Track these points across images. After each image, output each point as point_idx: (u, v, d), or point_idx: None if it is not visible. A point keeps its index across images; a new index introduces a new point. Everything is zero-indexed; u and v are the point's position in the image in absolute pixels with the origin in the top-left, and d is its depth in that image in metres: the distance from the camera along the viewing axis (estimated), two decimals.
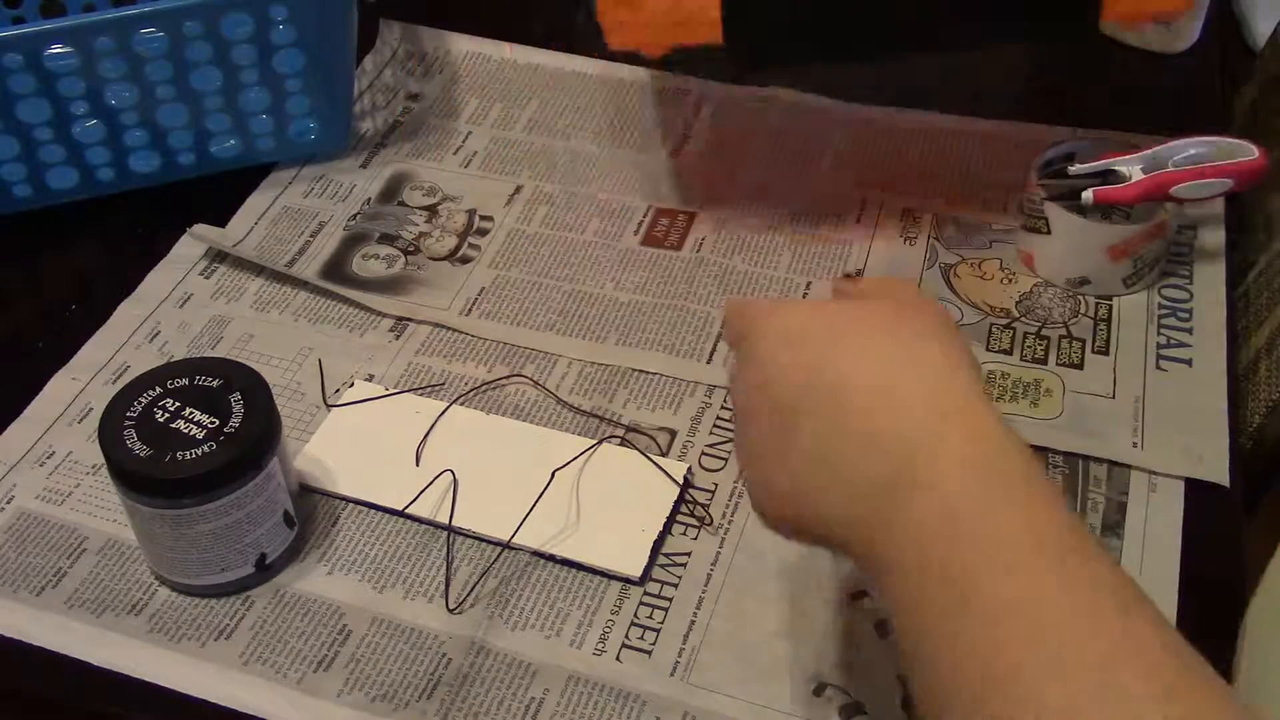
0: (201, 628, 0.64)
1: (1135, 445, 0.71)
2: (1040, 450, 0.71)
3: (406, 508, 0.69)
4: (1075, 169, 0.80)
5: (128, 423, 0.62)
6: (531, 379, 0.76)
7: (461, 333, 0.80)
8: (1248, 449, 0.74)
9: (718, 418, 0.74)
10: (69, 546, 0.68)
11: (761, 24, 0.74)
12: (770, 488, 0.49)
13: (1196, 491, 0.69)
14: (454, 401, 0.75)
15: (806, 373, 0.46)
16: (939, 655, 0.41)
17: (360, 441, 0.73)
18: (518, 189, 0.91)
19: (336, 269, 0.85)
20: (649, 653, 0.63)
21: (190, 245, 0.86)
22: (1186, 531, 0.67)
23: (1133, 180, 0.77)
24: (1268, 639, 0.52)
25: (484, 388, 0.76)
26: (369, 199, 0.91)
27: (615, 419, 0.74)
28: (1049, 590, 0.40)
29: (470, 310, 0.81)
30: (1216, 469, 0.69)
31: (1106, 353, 0.77)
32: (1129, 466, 0.70)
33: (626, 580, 0.66)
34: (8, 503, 0.70)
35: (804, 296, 0.81)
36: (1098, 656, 0.38)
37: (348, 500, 0.70)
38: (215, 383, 0.64)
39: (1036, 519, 0.42)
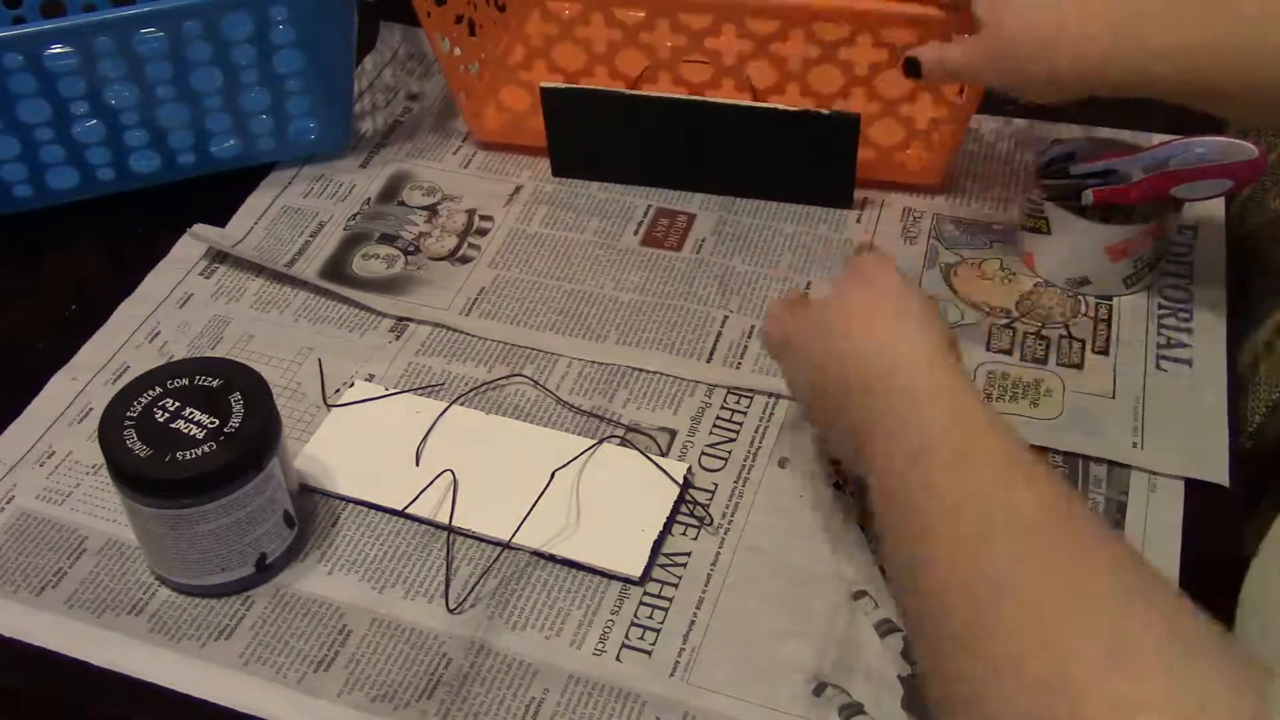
0: (201, 628, 0.64)
1: (1135, 445, 0.71)
2: (1040, 450, 0.71)
3: (406, 508, 0.69)
4: (1075, 169, 0.80)
5: (128, 423, 0.62)
6: (531, 379, 0.76)
7: (461, 333, 0.80)
8: (1248, 449, 0.74)
9: (717, 418, 0.74)
10: (69, 546, 0.68)
11: (579, 149, 0.90)
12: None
13: (1196, 491, 0.69)
14: (454, 401, 0.75)
15: (828, 361, 0.61)
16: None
17: (360, 441, 0.73)
18: (517, 189, 0.91)
19: (336, 269, 0.85)
20: (649, 653, 0.63)
21: (190, 245, 0.86)
22: (1186, 531, 0.67)
23: (1133, 180, 0.77)
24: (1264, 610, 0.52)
25: (484, 388, 0.76)
26: (369, 199, 0.91)
27: (615, 419, 0.74)
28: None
29: (470, 310, 0.81)
30: (1216, 469, 0.69)
31: (1106, 353, 0.77)
32: (1129, 467, 0.70)
33: (626, 580, 0.66)
34: (8, 503, 0.70)
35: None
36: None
37: (348, 500, 0.70)
38: (215, 383, 0.64)
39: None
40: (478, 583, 0.66)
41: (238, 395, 0.63)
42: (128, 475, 0.61)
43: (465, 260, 0.85)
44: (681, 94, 0.87)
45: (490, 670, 0.62)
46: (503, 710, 0.60)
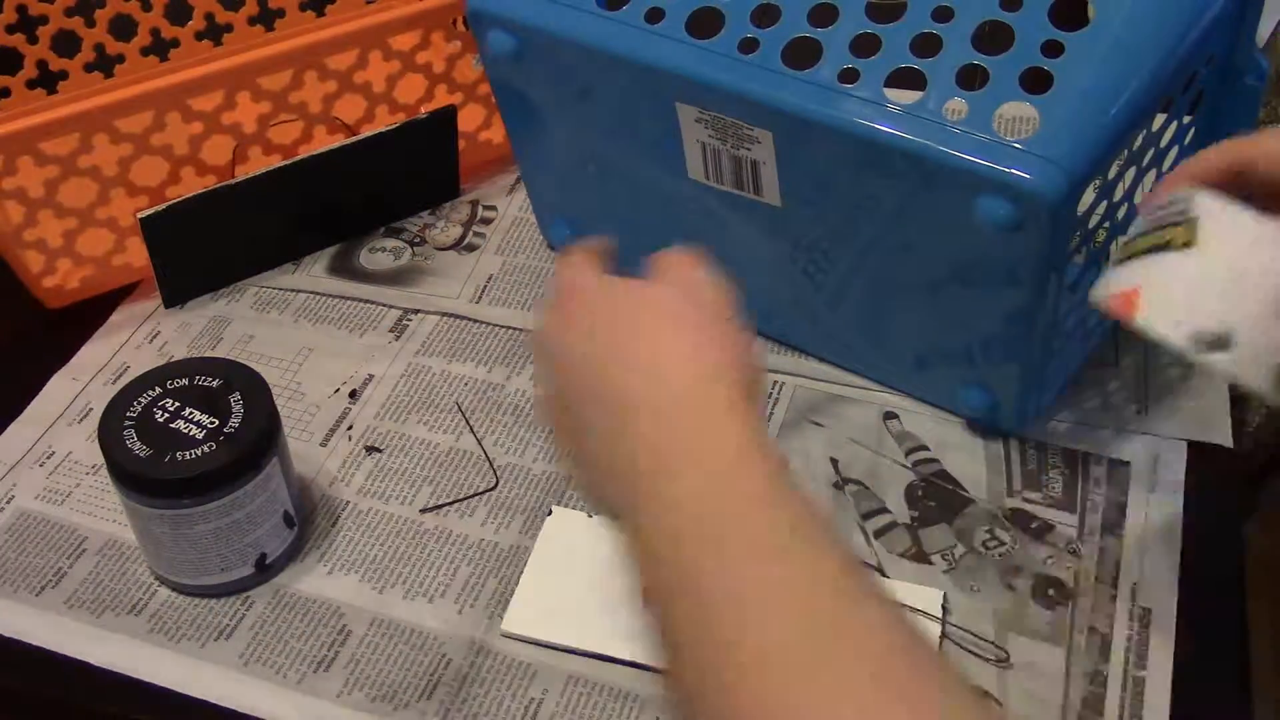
0: (201, 628, 0.64)
1: (1139, 412, 0.72)
2: (1039, 445, 0.71)
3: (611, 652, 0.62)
4: None
5: (128, 423, 0.62)
6: (532, 380, 0.76)
7: (471, 320, 0.80)
8: (1248, 449, 0.74)
9: None
10: (69, 546, 0.68)
11: (185, 265, 0.82)
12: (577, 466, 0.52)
13: (1196, 491, 0.68)
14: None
15: (590, 382, 0.49)
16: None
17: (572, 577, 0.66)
18: (519, 179, 0.91)
19: (344, 263, 0.85)
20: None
21: None
22: (1186, 532, 0.66)
23: None
24: None
25: (484, 388, 0.76)
26: None
27: None
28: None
29: (480, 298, 0.82)
30: (1220, 432, 0.70)
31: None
32: (1135, 432, 0.70)
33: None
34: (8, 503, 0.71)
35: None
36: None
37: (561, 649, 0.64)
38: (215, 383, 0.64)
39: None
40: (477, 583, 0.66)
41: (237, 395, 0.63)
42: (128, 475, 0.61)
43: (472, 249, 0.86)
44: (277, 160, 0.83)
45: (490, 670, 0.62)
46: (502, 710, 0.60)
